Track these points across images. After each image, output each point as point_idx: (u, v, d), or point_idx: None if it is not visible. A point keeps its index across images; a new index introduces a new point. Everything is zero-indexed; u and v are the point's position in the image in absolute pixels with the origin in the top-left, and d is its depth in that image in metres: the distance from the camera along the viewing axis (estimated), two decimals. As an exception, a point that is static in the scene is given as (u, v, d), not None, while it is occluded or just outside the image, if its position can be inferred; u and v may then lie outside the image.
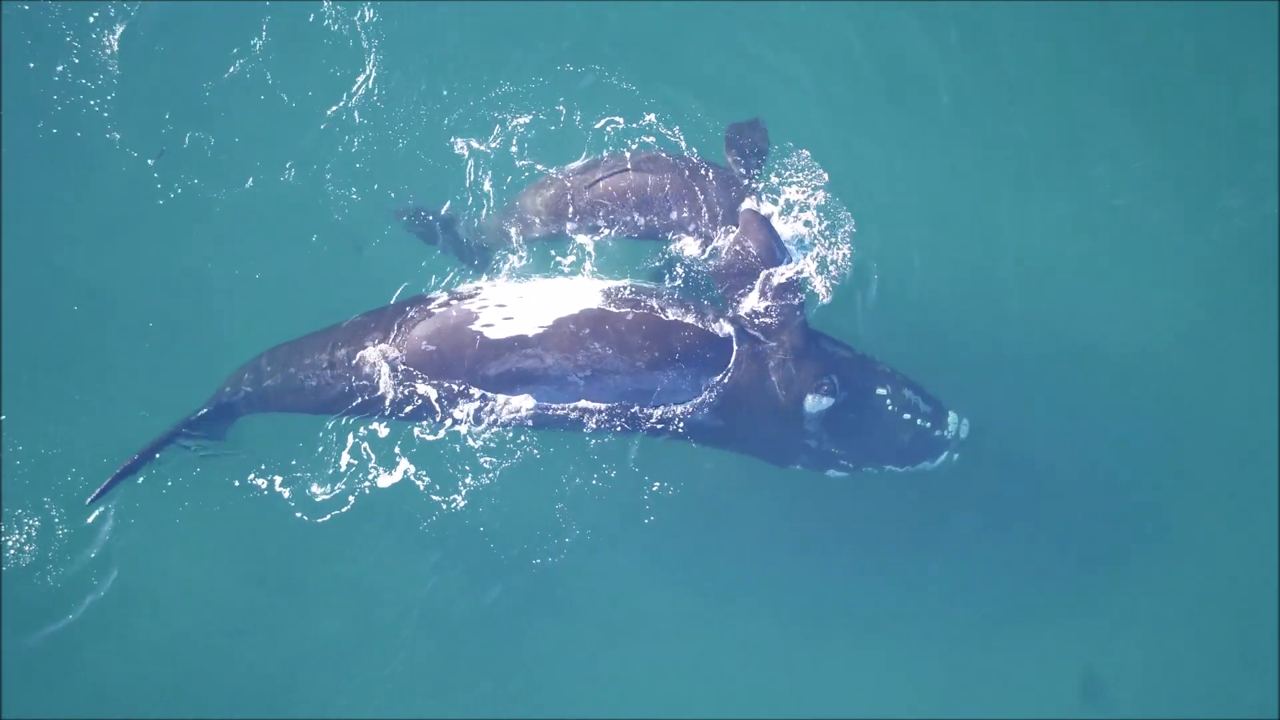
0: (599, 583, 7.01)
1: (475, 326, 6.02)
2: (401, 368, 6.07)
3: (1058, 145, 7.34)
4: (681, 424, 6.01)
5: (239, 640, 6.93)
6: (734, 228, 6.16)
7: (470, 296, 6.20)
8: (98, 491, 6.34)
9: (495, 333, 5.98)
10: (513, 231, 6.73)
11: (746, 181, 6.30)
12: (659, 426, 6.01)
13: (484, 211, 6.98)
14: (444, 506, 6.65)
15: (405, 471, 6.63)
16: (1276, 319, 7.22)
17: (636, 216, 6.32)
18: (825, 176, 6.47)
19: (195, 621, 6.92)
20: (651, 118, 6.99)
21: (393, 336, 6.14)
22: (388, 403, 6.14)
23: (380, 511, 6.80)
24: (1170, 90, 7.46)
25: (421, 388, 6.07)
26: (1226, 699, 6.91)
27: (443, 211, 7.05)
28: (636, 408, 5.96)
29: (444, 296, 6.30)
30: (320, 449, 6.71)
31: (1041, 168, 7.32)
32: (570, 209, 6.46)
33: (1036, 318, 7.14)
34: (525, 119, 7.17)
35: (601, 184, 6.34)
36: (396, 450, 6.64)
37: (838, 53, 7.49)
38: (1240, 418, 7.20)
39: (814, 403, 6.01)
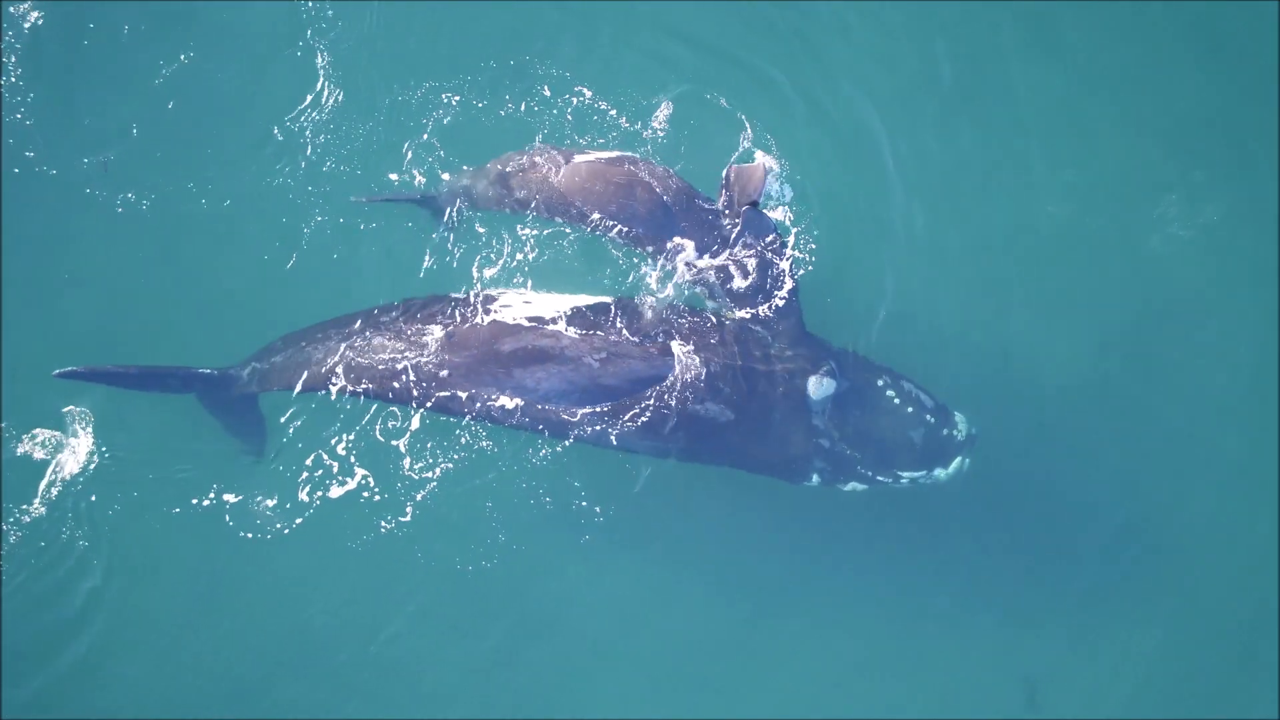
0: (559, 594, 7.04)
1: (493, 307, 6.20)
2: (414, 340, 6.15)
3: (996, 150, 7.38)
4: (691, 424, 6.03)
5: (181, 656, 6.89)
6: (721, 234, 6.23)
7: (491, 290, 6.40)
8: (68, 370, 6.31)
9: (513, 313, 6.16)
10: (493, 194, 6.73)
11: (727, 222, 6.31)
12: (667, 424, 6.03)
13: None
14: (390, 526, 6.71)
15: (361, 482, 6.70)
16: (1215, 331, 7.29)
17: (619, 221, 6.35)
18: (776, 167, 6.59)
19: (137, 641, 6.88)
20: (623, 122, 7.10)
21: (407, 314, 6.28)
22: (393, 377, 6.16)
23: (337, 527, 6.80)
24: (1105, 95, 7.46)
25: (431, 361, 6.11)
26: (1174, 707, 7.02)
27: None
28: (647, 400, 5.98)
29: (464, 290, 6.46)
30: (275, 467, 6.83)
31: (982, 173, 7.36)
32: (558, 191, 6.45)
33: (981, 326, 7.19)
34: (490, 114, 7.27)
35: (596, 183, 6.35)
36: (352, 461, 6.73)
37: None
38: (1187, 427, 7.25)
39: (817, 385, 6.08)
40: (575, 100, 7.26)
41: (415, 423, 6.68)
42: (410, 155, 7.20)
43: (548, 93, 7.30)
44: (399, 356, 6.15)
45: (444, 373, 6.09)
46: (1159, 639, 7.10)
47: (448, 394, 6.11)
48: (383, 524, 6.72)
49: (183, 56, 7.46)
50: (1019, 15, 7.53)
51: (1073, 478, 7.21)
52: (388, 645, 6.87)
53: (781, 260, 6.15)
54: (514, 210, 6.67)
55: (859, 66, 7.43)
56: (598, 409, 6.01)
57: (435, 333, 6.18)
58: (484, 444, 6.71)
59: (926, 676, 7.01)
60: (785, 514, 7.08)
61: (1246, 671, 7.06)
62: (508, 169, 6.65)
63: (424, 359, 6.12)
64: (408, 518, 6.68)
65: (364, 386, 6.23)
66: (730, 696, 6.94)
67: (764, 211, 6.23)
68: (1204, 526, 7.21)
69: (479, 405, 6.08)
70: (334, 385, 6.27)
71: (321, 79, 7.34)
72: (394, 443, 6.68)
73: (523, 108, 7.31)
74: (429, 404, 6.16)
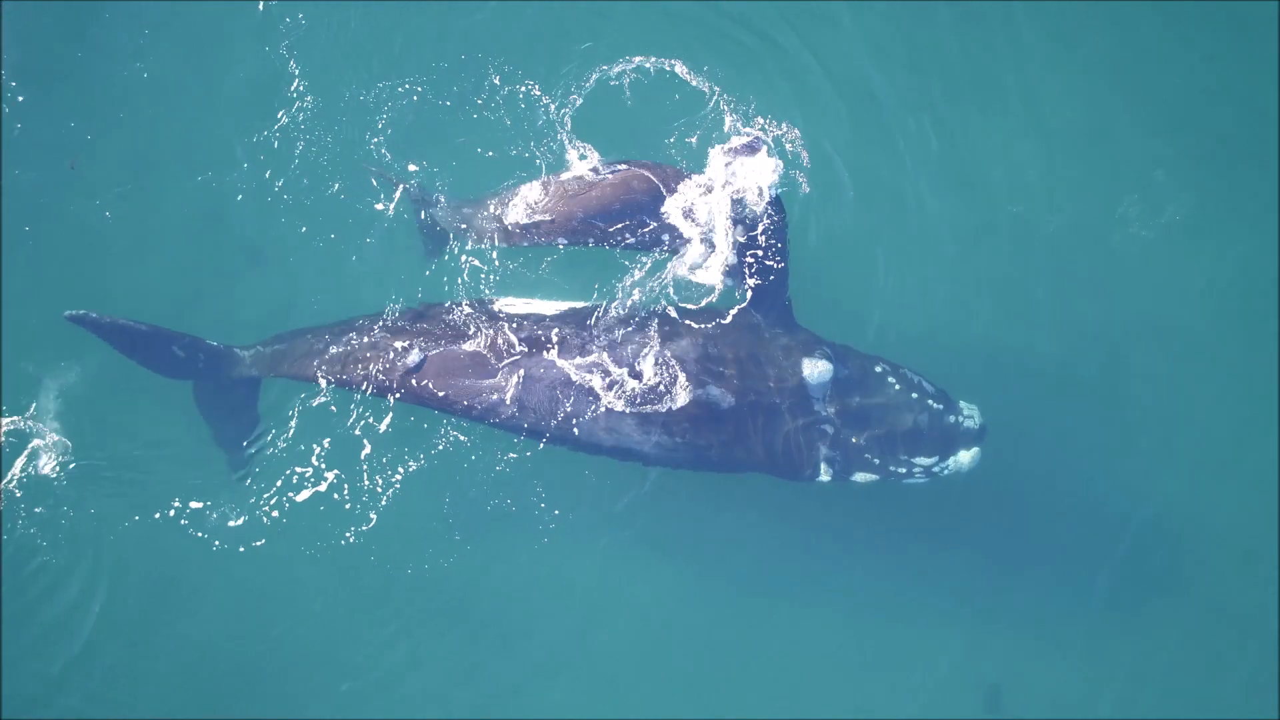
0: (525, 595, 7.11)
1: (496, 306, 6.42)
2: (419, 336, 6.32)
3: (958, 151, 7.28)
4: (694, 412, 6.07)
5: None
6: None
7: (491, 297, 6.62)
8: (80, 313, 6.41)
9: (515, 311, 6.39)
10: (494, 231, 6.69)
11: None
12: (670, 413, 6.08)
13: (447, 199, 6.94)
14: (351, 534, 6.80)
15: (331, 484, 6.79)
16: (1180, 332, 7.23)
17: (626, 224, 6.31)
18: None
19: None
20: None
21: (413, 315, 6.47)
22: (397, 369, 6.27)
23: (303, 533, 6.88)
24: (1063, 94, 7.35)
25: (436, 354, 6.25)
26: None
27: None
28: (649, 385, 6.05)
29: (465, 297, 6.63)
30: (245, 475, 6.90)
31: (946, 174, 7.27)
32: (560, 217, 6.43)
33: (938, 326, 7.16)
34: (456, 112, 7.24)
35: (591, 193, 6.32)
36: (322, 465, 6.81)
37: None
38: (1163, 427, 7.23)
39: (813, 368, 6.11)
40: (523, 89, 7.20)
41: (384, 425, 6.75)
42: (374, 152, 7.19)
43: (498, 81, 7.25)
44: (403, 350, 6.29)
45: (448, 364, 6.22)
46: (1154, 640, 7.14)
47: (451, 386, 6.23)
48: (347, 533, 6.81)
49: (152, 58, 7.45)
50: (980, 15, 7.41)
51: (1051, 478, 7.21)
52: (356, 648, 6.99)
53: (775, 247, 6.13)
54: (518, 241, 6.62)
55: (822, 66, 7.37)
56: (601, 399, 6.09)
57: (439, 329, 6.33)
58: (449, 449, 6.78)
59: (894, 675, 7.09)
60: (750, 514, 7.12)
61: (1245, 672, 7.09)
62: (506, 204, 6.60)
63: (428, 352, 6.24)
64: (372, 523, 6.77)
65: (365, 378, 6.35)
66: (697, 694, 7.03)
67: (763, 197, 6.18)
68: (1190, 524, 7.22)
69: (479, 396, 6.19)
70: (335, 376, 6.40)
71: (295, 82, 7.29)
72: (362, 449, 6.75)
73: (480, 102, 7.26)
74: (429, 398, 6.28)
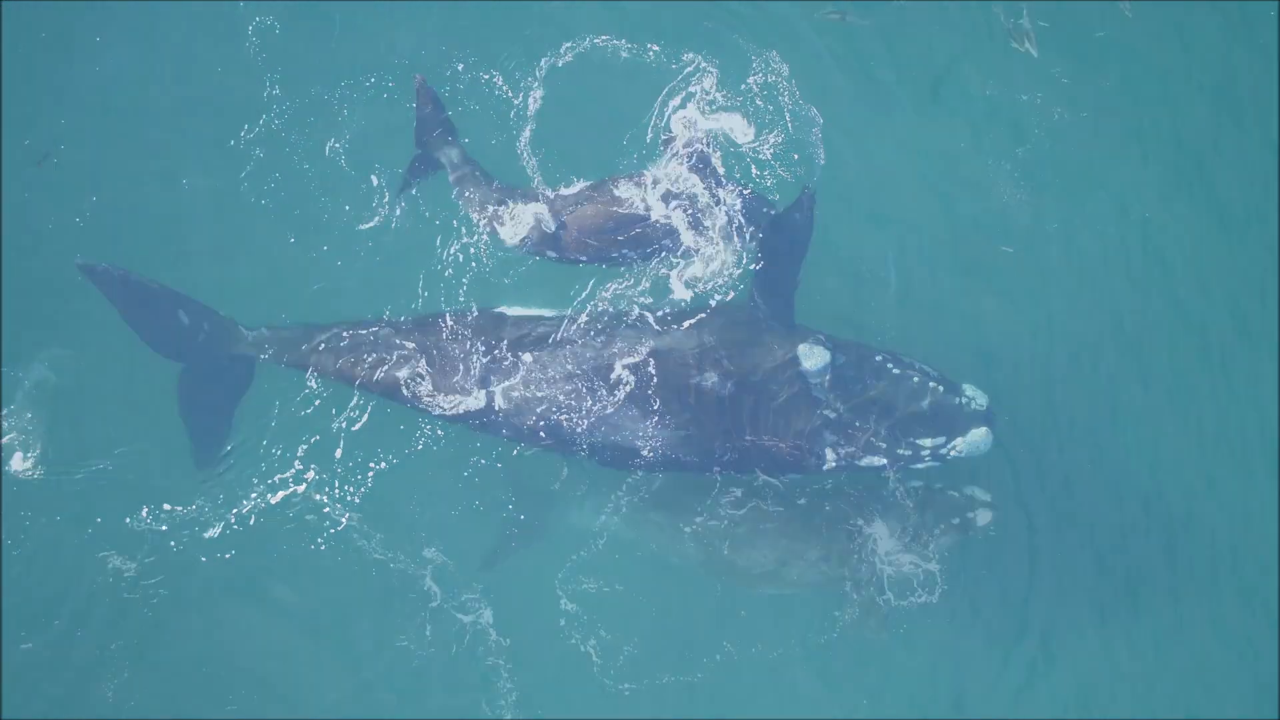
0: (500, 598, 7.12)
1: (498, 310, 6.54)
2: (421, 335, 6.46)
3: (930, 148, 7.26)
4: (694, 404, 6.13)
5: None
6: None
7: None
8: (91, 262, 6.49)
9: (514, 313, 6.51)
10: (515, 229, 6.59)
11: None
12: (671, 405, 6.14)
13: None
14: (321, 541, 6.83)
15: (307, 483, 6.83)
16: (1158, 333, 7.23)
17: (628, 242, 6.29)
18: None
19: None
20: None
21: (416, 319, 6.57)
22: (401, 361, 6.41)
23: (274, 535, 6.90)
24: (1035, 92, 7.29)
25: (440, 347, 6.40)
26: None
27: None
28: (649, 376, 6.12)
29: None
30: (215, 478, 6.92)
31: (916, 171, 7.24)
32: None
33: (914, 324, 7.13)
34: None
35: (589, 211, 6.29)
36: (300, 468, 6.86)
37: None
38: (1127, 431, 7.23)
39: (809, 353, 6.15)
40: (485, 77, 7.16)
41: (359, 426, 6.76)
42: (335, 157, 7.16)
43: (461, 68, 7.22)
44: (405, 348, 6.43)
45: (450, 368, 6.33)
46: (1158, 640, 7.14)
47: (451, 389, 6.35)
48: (319, 539, 6.85)
49: (125, 60, 7.42)
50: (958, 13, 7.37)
51: (1045, 476, 7.21)
52: (342, 651, 7.08)
53: (798, 244, 6.12)
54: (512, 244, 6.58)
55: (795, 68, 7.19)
56: (602, 398, 6.15)
57: (441, 332, 6.43)
58: (428, 452, 6.81)
59: (879, 677, 7.10)
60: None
61: (1248, 671, 7.10)
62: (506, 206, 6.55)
63: (429, 348, 6.39)
64: (342, 525, 6.82)
65: (363, 377, 6.47)
66: (671, 693, 7.06)
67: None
68: (1184, 522, 7.23)
69: (479, 399, 6.30)
70: (332, 371, 6.52)
71: (268, 86, 7.24)
72: (335, 450, 6.80)
73: (444, 94, 7.14)
74: (428, 401, 6.38)
